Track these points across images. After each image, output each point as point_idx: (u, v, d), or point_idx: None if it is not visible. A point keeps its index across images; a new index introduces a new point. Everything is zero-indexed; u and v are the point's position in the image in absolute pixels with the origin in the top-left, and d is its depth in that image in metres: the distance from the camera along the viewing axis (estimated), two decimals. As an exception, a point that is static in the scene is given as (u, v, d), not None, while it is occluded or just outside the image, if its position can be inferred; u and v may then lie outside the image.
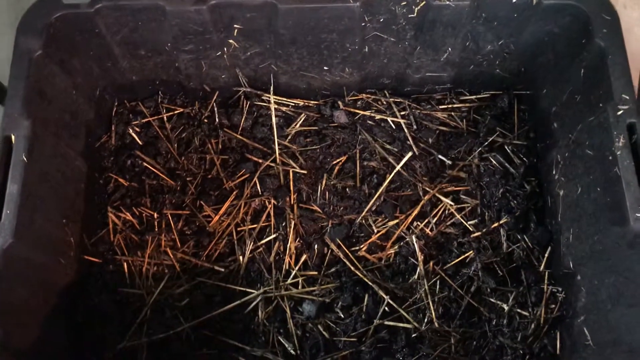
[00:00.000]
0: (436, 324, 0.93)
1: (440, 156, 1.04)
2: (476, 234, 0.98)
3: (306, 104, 1.09)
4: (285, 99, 1.08)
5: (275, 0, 0.87)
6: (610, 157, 0.81)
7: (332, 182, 1.02)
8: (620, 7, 0.90)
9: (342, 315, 0.94)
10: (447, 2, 0.87)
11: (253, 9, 0.89)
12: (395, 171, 1.01)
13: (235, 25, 0.92)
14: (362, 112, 1.07)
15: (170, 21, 0.89)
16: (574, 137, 0.91)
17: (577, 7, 0.87)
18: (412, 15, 0.89)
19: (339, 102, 1.08)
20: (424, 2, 0.87)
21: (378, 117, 1.06)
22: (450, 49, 0.97)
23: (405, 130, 1.05)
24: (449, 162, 1.03)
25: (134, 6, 0.86)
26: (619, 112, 0.81)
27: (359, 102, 1.08)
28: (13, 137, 0.81)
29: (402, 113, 1.07)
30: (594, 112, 0.86)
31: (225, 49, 0.97)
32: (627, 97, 0.81)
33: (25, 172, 0.79)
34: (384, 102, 1.08)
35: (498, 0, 0.87)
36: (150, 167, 1.03)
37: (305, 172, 1.03)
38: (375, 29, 0.93)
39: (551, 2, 0.88)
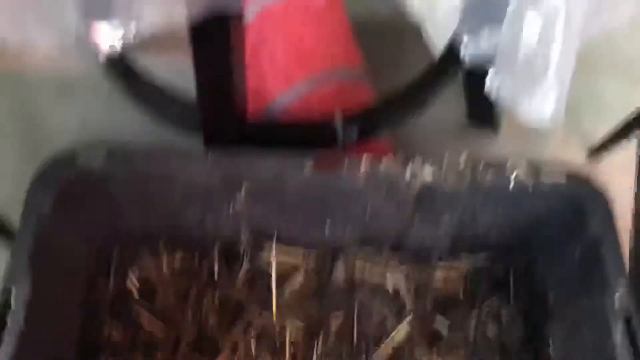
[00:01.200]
0: None
1: (436, 323, 1.04)
2: (472, 410, 0.97)
3: (306, 258, 1.10)
4: (285, 254, 1.09)
5: (286, 171, 0.91)
6: (607, 344, 0.82)
7: (328, 346, 1.01)
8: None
9: None
10: (444, 186, 0.91)
11: (263, 176, 0.92)
12: (390, 336, 1.00)
13: (243, 186, 0.96)
14: (359, 271, 1.08)
15: (181, 186, 0.92)
16: (570, 316, 0.92)
17: (572, 195, 0.91)
18: (413, 192, 0.93)
19: (339, 259, 1.09)
20: (423, 183, 0.91)
21: (375, 277, 1.07)
22: (448, 220, 1.00)
23: (404, 292, 1.06)
24: (445, 330, 1.03)
25: (147, 174, 0.89)
26: (615, 306, 0.82)
27: (357, 261, 1.10)
28: (13, 291, 0.81)
29: (400, 275, 1.08)
30: (589, 296, 0.88)
31: (231, 206, 1.00)
32: (623, 289, 0.83)
33: (21, 335, 0.78)
34: (382, 263, 1.09)
35: (495, 185, 0.92)
36: (145, 319, 1.01)
37: (301, 330, 1.02)
38: (377, 198, 0.97)
39: (547, 187, 0.92)
